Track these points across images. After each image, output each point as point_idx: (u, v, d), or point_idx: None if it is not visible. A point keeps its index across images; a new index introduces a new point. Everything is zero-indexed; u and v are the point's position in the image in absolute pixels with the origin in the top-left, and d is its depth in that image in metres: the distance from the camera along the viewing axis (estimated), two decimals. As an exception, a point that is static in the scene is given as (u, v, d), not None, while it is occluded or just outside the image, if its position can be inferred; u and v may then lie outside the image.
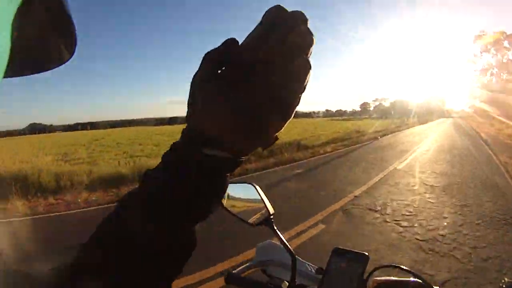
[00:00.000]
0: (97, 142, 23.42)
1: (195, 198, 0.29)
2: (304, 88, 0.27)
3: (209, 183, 0.29)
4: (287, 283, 0.73)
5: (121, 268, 0.29)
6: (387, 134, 18.51)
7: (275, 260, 0.77)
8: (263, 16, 0.27)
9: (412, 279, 0.70)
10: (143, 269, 0.29)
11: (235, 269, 0.77)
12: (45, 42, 0.26)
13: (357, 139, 14.58)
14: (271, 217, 0.67)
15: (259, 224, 0.67)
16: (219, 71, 0.28)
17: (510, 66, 40.43)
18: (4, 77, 0.20)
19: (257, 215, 0.69)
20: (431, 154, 9.28)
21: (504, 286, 0.66)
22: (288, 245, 0.69)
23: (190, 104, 0.29)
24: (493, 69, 43.05)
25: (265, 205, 0.66)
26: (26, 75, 0.28)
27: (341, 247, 0.70)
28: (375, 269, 0.70)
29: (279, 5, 0.26)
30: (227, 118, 0.27)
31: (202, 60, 0.28)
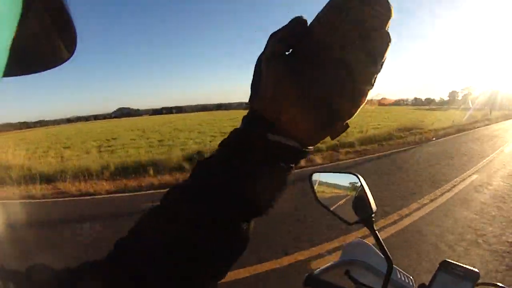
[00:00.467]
0: (155, 128, 24.65)
1: (253, 190, 0.26)
2: (381, 67, 0.24)
3: (272, 172, 0.26)
4: None
5: (164, 269, 0.27)
6: (451, 134, 12.17)
7: (364, 262, 0.70)
8: None
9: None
10: (191, 268, 0.27)
11: (315, 270, 0.71)
12: (45, 41, 0.26)
13: (393, 143, 9.85)
14: (372, 216, 0.59)
15: (357, 222, 0.60)
16: (287, 53, 0.26)
17: None
18: (4, 76, 0.20)
19: (347, 207, 0.62)
20: (492, 203, 3.70)
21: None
22: (386, 248, 0.61)
23: (253, 85, 0.27)
24: None
25: (368, 201, 0.59)
26: (25, 74, 0.27)
27: (449, 260, 0.61)
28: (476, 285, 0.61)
29: None
30: (296, 102, 0.25)
31: (268, 40, 0.26)
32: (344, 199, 0.62)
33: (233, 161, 0.26)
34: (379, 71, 0.24)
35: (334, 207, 0.62)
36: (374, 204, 0.59)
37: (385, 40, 0.24)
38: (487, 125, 17.82)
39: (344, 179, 0.61)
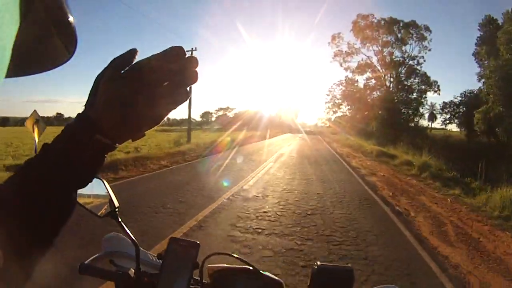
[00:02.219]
0: None
1: (83, 169, 0.37)
2: (184, 99, 0.35)
3: (95, 159, 0.38)
4: (133, 271, 0.84)
5: (17, 221, 0.34)
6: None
7: (121, 251, 0.88)
8: (167, 49, 0.34)
9: (242, 266, 0.80)
10: (37, 225, 0.35)
11: (86, 260, 0.86)
12: (45, 42, 0.27)
13: None
14: (116, 210, 0.80)
15: (105, 216, 0.80)
16: (121, 74, 0.35)
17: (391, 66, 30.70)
18: (6, 77, 0.20)
19: (105, 208, 0.81)
20: None
21: (316, 268, 0.73)
22: (132, 236, 0.82)
23: (91, 95, 0.36)
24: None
25: (111, 199, 0.80)
26: (26, 75, 0.29)
27: (176, 237, 0.85)
28: (208, 256, 0.82)
29: (182, 47, 0.34)
30: (118, 115, 0.35)
31: (110, 63, 0.35)
32: (98, 200, 0.82)
33: (70, 151, 0.35)
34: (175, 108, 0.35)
35: (89, 206, 0.81)
36: (117, 201, 0.81)
37: (187, 95, 0.35)
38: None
39: (94, 184, 0.81)
